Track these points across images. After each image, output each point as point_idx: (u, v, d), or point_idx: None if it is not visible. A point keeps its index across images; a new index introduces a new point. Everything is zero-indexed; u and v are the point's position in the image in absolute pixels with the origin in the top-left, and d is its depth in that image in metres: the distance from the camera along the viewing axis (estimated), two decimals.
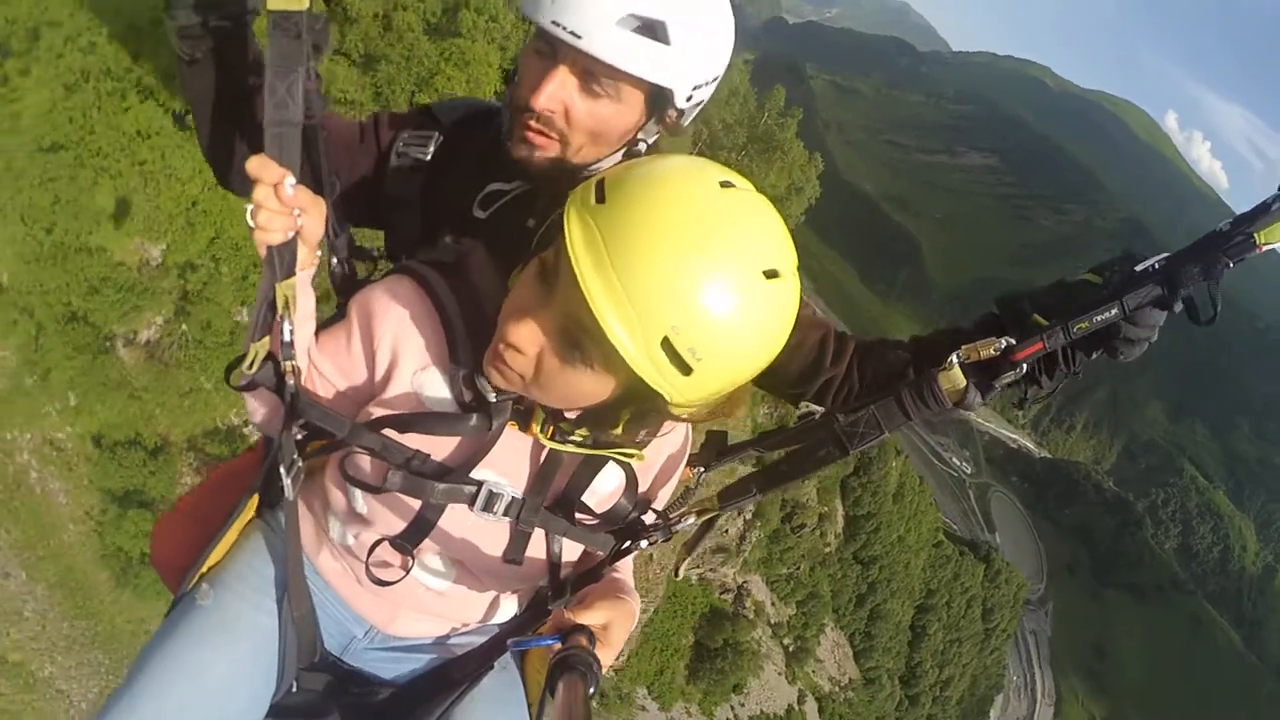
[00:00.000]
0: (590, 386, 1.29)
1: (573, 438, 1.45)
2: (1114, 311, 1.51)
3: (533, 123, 1.61)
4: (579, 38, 1.47)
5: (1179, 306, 1.51)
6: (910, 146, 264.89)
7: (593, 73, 1.54)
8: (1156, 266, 1.52)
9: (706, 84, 1.63)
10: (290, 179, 1.30)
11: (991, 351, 1.57)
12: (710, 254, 1.12)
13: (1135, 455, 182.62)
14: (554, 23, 1.48)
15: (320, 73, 1.43)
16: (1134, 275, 1.53)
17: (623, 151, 1.72)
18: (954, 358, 1.58)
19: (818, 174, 40.56)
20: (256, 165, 1.28)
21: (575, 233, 1.15)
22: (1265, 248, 1.46)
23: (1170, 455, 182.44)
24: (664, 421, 1.39)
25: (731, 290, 1.13)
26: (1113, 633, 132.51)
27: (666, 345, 1.13)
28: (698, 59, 1.56)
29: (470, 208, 1.76)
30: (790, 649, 45.22)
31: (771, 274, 1.16)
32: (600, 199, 1.17)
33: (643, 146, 1.73)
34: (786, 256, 1.20)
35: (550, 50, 1.55)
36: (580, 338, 1.21)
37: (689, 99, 1.62)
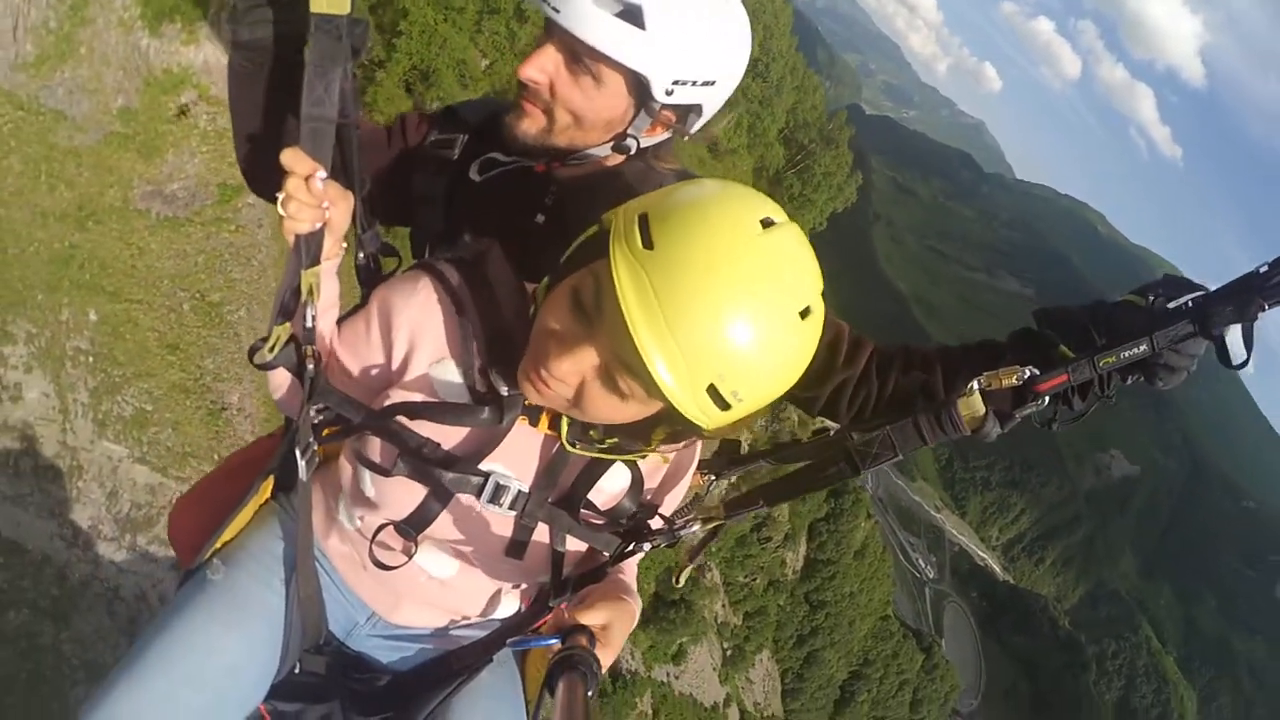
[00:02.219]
0: (630, 413, 1.34)
1: (600, 445, 1.49)
2: (1142, 348, 1.48)
3: (524, 94, 1.71)
4: (558, 12, 1.54)
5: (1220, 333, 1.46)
6: (952, 258, 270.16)
7: (575, 52, 1.61)
8: (1190, 304, 1.48)
9: (693, 83, 1.64)
10: (321, 172, 1.35)
11: (1014, 381, 1.54)
12: (757, 307, 1.15)
13: (1097, 602, 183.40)
14: (544, 1, 1.56)
15: (356, 74, 1.47)
16: (1166, 312, 1.51)
17: (611, 144, 1.77)
18: (975, 385, 1.55)
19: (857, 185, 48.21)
20: (290, 157, 1.32)
21: (625, 281, 1.15)
22: None
23: (1131, 610, 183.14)
24: (697, 439, 1.48)
25: (773, 338, 1.17)
26: None
27: (712, 390, 1.18)
28: (678, 52, 1.59)
29: (482, 216, 1.87)
30: (728, 653, 47.23)
31: (805, 313, 1.21)
32: (648, 244, 1.17)
33: (632, 143, 1.77)
34: (816, 289, 1.24)
35: (546, 30, 1.65)
36: (624, 374, 1.25)
37: (669, 93, 1.64)
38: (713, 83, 1.67)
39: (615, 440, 1.47)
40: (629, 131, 1.74)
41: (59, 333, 12.22)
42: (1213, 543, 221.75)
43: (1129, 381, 1.57)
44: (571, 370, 1.28)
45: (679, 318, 1.13)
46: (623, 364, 1.23)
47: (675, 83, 1.61)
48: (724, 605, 45.16)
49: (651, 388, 1.20)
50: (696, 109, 1.71)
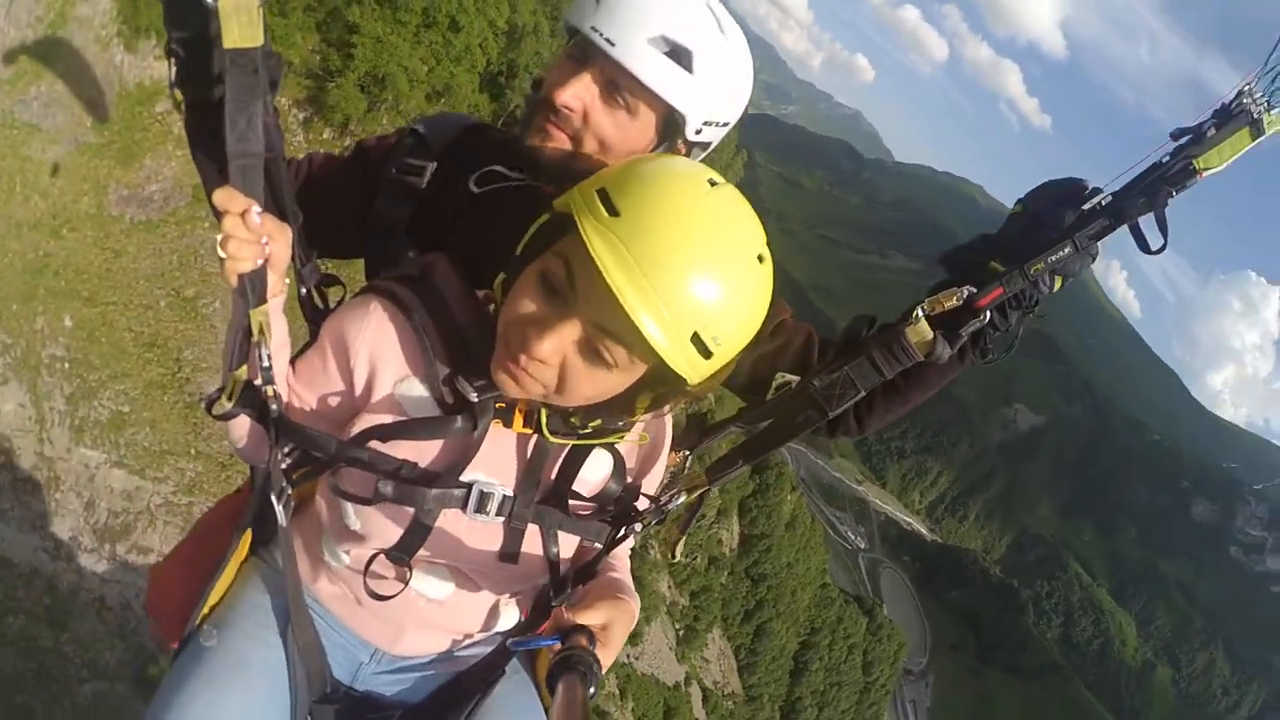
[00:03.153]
0: (615, 383, 1.34)
1: (583, 430, 1.48)
2: (1067, 250, 1.54)
3: (552, 117, 1.66)
4: (612, 45, 1.55)
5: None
6: (843, 244, 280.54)
7: (616, 83, 1.61)
8: (1103, 204, 1.56)
9: (716, 125, 1.71)
10: (256, 208, 1.32)
11: (955, 301, 1.59)
12: (723, 255, 1.22)
13: (1024, 548, 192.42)
14: (593, 28, 1.57)
15: (276, 107, 1.44)
16: (1083, 214, 1.57)
17: None
18: (919, 310, 1.61)
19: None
20: (223, 197, 1.30)
21: (599, 247, 1.19)
22: (1206, 173, 1.49)
23: (1057, 551, 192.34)
24: (680, 399, 1.43)
25: (739, 282, 1.24)
26: (991, 708, 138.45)
27: (695, 338, 1.22)
28: (714, 96, 1.65)
29: (460, 235, 1.81)
30: (680, 633, 48.77)
31: (760, 258, 1.27)
32: (613, 212, 1.21)
33: None
34: (763, 238, 1.30)
35: (583, 56, 1.63)
36: (608, 342, 1.26)
37: (698, 132, 1.69)
38: (728, 124, 1.75)
39: (598, 421, 1.47)
40: None
41: (34, 341, 12.20)
42: (1125, 478, 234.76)
43: (1045, 288, 1.62)
44: (553, 350, 1.28)
45: (657, 275, 1.17)
46: (607, 332, 1.25)
47: (705, 123, 1.68)
48: (670, 586, 46.95)
49: (640, 349, 1.24)
50: (704, 146, 1.78)
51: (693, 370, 1.26)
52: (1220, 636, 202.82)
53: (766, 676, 64.34)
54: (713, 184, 1.26)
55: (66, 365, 12.55)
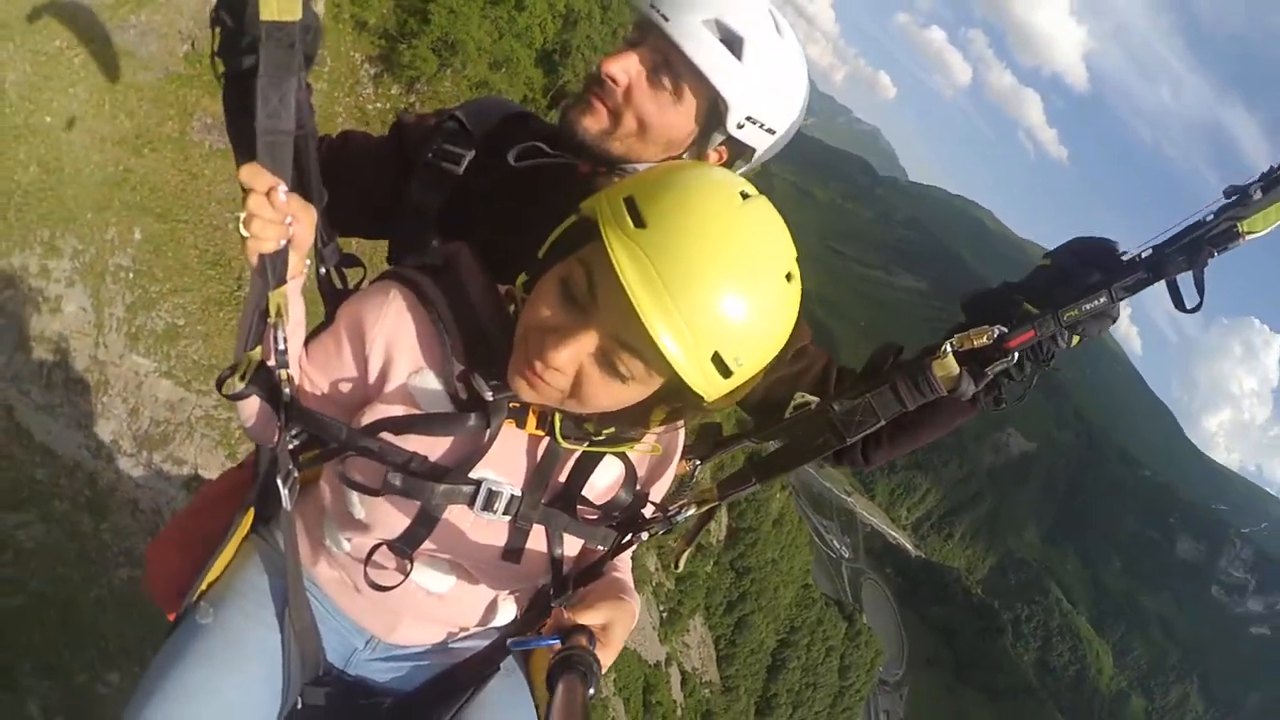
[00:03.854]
0: (631, 395, 1.32)
1: (596, 437, 1.47)
2: (1102, 300, 1.54)
3: (596, 89, 1.68)
4: (667, 20, 1.57)
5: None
6: (851, 257, 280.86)
7: (664, 63, 1.62)
8: (1143, 256, 1.54)
9: (760, 127, 1.70)
10: (282, 187, 1.30)
11: (984, 340, 1.58)
12: (751, 274, 1.19)
13: (1006, 571, 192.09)
14: (652, 5, 1.60)
15: (310, 83, 1.41)
16: (1121, 265, 1.56)
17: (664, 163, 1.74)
18: (948, 346, 1.59)
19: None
20: (249, 173, 1.28)
21: (624, 261, 1.16)
22: (1249, 237, 1.47)
23: (1039, 576, 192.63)
24: (696, 415, 1.41)
25: (766, 302, 1.21)
26: None
27: (716, 358, 1.19)
28: (761, 90, 1.64)
29: (491, 221, 1.80)
30: (664, 615, 49.59)
31: (789, 277, 1.25)
32: (640, 223, 1.18)
33: None
34: (793, 254, 1.28)
35: (638, 37, 1.66)
36: (625, 355, 1.24)
37: (740, 126, 1.67)
38: (773, 132, 1.73)
39: (611, 429, 1.46)
40: (684, 156, 1.75)
41: (103, 250, 12.53)
42: (1113, 509, 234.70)
43: (1063, 344, 1.61)
44: (570, 359, 1.26)
45: (681, 291, 1.14)
46: (624, 345, 1.23)
47: (748, 119, 1.67)
48: (657, 566, 47.69)
49: (657, 364, 1.22)
50: (747, 154, 1.76)
51: (710, 388, 1.24)
52: (1196, 672, 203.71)
53: (744, 669, 65.13)
54: (745, 196, 1.23)
55: (131, 275, 12.93)
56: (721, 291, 1.16)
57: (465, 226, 1.78)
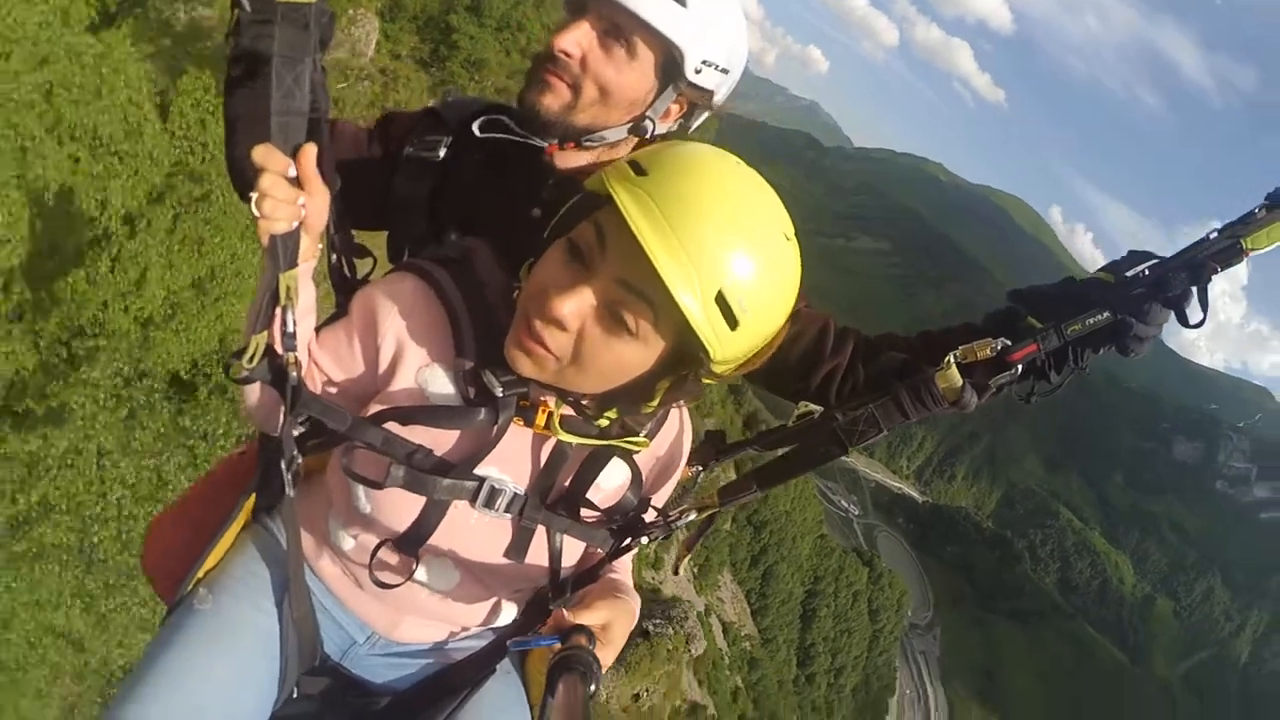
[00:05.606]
0: (633, 356, 1.30)
1: (598, 422, 1.47)
2: (1105, 315, 1.53)
3: (550, 67, 1.68)
4: None
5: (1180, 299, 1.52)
6: (810, 231, 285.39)
7: (614, 25, 1.63)
8: (1146, 273, 1.55)
9: (715, 68, 1.70)
10: (295, 168, 1.30)
11: (988, 353, 1.57)
12: (752, 218, 1.22)
13: (1013, 502, 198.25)
14: None
15: (325, 66, 1.42)
16: (1125, 280, 1.57)
17: (629, 125, 1.76)
18: (951, 358, 1.56)
19: None
20: (262, 153, 1.27)
21: (628, 201, 1.18)
22: (1252, 253, 1.49)
23: (1046, 501, 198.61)
24: (700, 389, 1.39)
25: (769, 250, 1.23)
26: (999, 654, 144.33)
27: (721, 300, 1.19)
28: (711, 32, 1.65)
29: (477, 207, 1.79)
30: (694, 570, 52.34)
31: (789, 237, 1.27)
32: (641, 172, 1.21)
33: (649, 125, 1.77)
34: (790, 224, 1.29)
35: (580, 6, 1.66)
36: (630, 303, 1.24)
37: (697, 71, 1.67)
38: (727, 71, 1.74)
39: (613, 414, 1.46)
40: (648, 114, 1.75)
41: None
42: (1106, 427, 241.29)
43: (1101, 352, 1.61)
44: (574, 311, 1.26)
45: (682, 222, 1.16)
46: (629, 290, 1.23)
47: (704, 62, 1.67)
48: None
49: (662, 307, 1.22)
50: (707, 96, 1.77)
51: (717, 340, 1.22)
52: (1216, 566, 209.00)
53: (779, 620, 69.03)
54: (740, 164, 1.28)
55: None
56: (723, 231, 1.19)
57: (450, 211, 1.84)
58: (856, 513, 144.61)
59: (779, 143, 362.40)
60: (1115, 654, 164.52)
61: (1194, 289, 1.53)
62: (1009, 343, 1.58)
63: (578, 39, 1.65)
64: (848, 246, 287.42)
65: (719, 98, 1.81)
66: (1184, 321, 1.54)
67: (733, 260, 1.19)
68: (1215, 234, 1.53)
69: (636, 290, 1.23)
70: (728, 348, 1.25)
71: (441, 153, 1.84)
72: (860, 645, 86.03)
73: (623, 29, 1.64)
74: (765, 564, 66.49)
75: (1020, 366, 1.59)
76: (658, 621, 38.53)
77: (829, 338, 1.85)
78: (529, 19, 34.12)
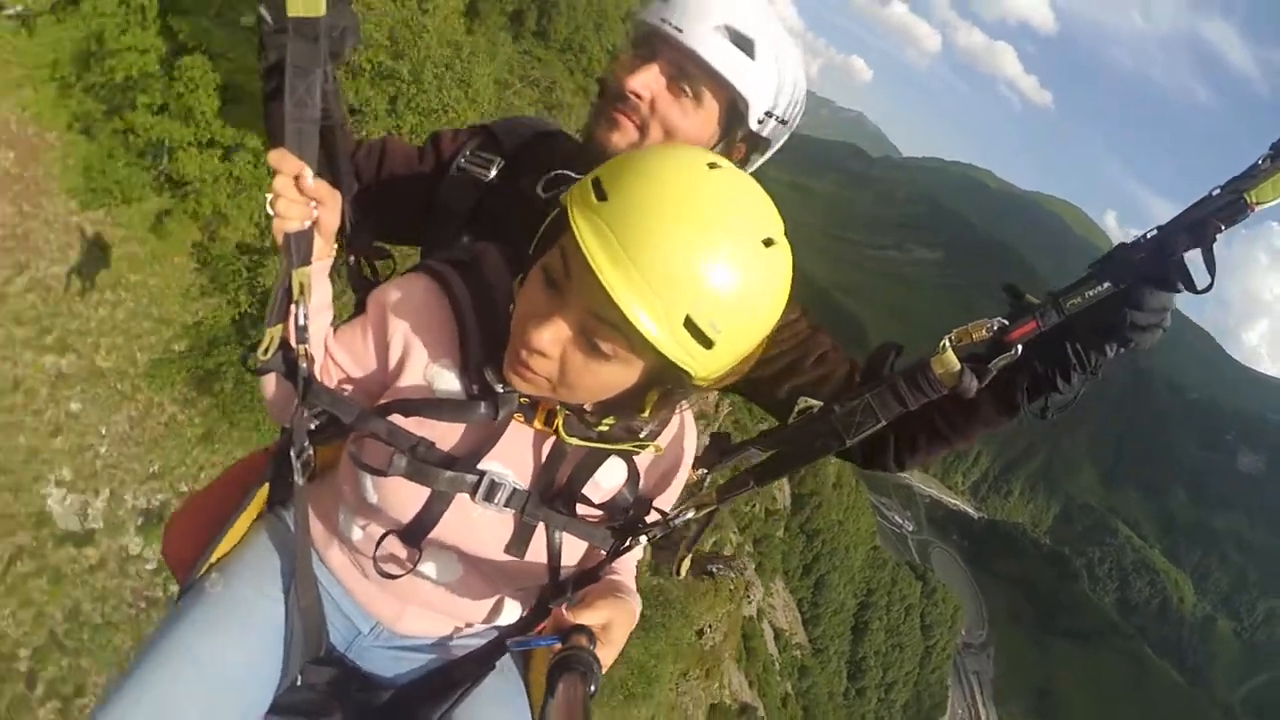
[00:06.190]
0: (616, 376, 1.32)
1: (598, 428, 1.46)
2: (1106, 285, 1.42)
3: (620, 105, 1.72)
4: (680, 31, 1.63)
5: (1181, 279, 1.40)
6: (861, 242, 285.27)
7: (683, 72, 1.67)
8: (1147, 238, 1.43)
9: (776, 119, 1.75)
10: (308, 171, 1.36)
11: (984, 333, 1.48)
12: (715, 232, 1.16)
13: (1071, 518, 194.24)
14: (662, 19, 1.65)
15: (338, 76, 1.49)
16: (1125, 247, 1.45)
17: None
18: (946, 341, 1.50)
19: None
20: (277, 157, 1.35)
21: (585, 231, 1.17)
22: (1258, 207, 1.37)
23: (1105, 518, 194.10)
24: (690, 397, 1.42)
25: (738, 263, 1.17)
26: (1055, 675, 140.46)
27: (689, 323, 1.17)
28: (775, 85, 1.71)
29: (522, 224, 1.69)
30: (746, 574, 50.73)
31: (769, 242, 1.21)
32: (601, 196, 1.19)
33: None
34: (777, 224, 1.24)
35: (650, 50, 1.70)
36: (602, 331, 1.24)
37: (760, 122, 1.73)
38: (786, 122, 1.78)
39: (611, 421, 1.45)
40: None
41: None
42: (1167, 439, 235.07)
43: (1110, 353, 1.53)
44: (551, 341, 1.28)
45: (640, 252, 1.14)
46: (600, 320, 1.23)
47: (766, 113, 1.72)
48: (735, 531, 49.11)
49: (632, 335, 1.20)
50: (765, 145, 1.81)
51: (693, 360, 1.22)
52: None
53: (830, 630, 68.00)
54: (713, 166, 1.22)
55: None
56: (683, 252, 1.14)
57: (493, 234, 1.79)
58: (911, 528, 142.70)
59: (826, 155, 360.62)
60: (1174, 675, 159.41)
61: (1199, 250, 1.40)
62: (1006, 322, 1.48)
63: (648, 82, 1.70)
64: (900, 257, 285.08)
65: (772, 148, 1.85)
66: (1190, 286, 1.41)
67: (699, 281, 1.16)
68: (1218, 191, 1.41)
69: (605, 320, 1.22)
70: (706, 365, 1.24)
71: (493, 172, 1.89)
72: (912, 661, 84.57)
73: (692, 76, 1.68)
74: (818, 573, 65.62)
75: (1019, 347, 1.49)
76: (719, 565, 38.55)
77: (855, 380, 1.85)
78: (590, 40, 35.54)
